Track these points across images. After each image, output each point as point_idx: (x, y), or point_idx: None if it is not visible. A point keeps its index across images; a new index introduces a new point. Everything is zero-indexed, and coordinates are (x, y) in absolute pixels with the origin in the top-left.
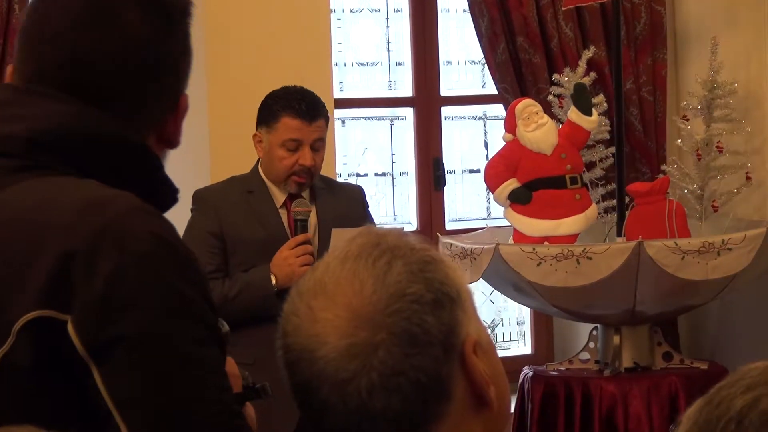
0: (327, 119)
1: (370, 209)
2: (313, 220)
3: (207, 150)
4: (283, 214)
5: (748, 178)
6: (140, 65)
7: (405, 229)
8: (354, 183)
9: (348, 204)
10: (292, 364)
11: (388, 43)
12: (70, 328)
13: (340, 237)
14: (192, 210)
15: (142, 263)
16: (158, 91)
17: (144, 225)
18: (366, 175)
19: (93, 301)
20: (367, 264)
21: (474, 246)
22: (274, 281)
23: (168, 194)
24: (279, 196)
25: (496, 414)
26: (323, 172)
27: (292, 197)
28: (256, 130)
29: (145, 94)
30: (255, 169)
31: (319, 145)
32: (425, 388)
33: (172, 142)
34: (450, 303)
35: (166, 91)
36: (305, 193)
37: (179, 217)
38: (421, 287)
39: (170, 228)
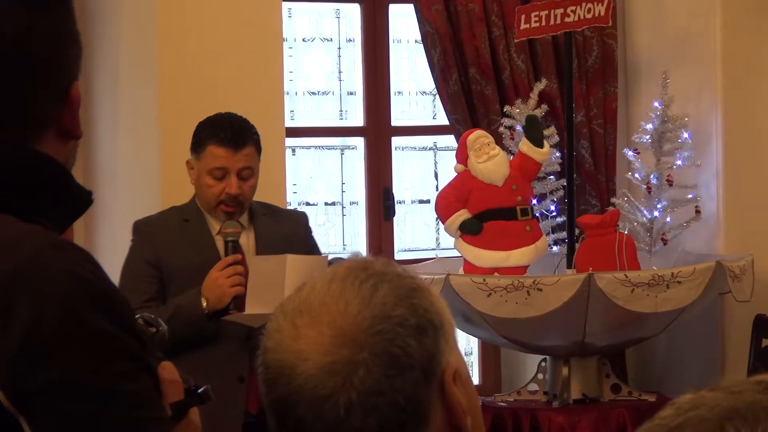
0: (257, 146)
1: (314, 234)
2: (251, 243)
3: (158, 179)
4: (219, 240)
5: (697, 211)
6: (5, 65)
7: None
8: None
9: (290, 227)
10: (271, 379)
11: (340, 72)
12: None
13: (295, 264)
14: (131, 240)
15: (59, 307)
16: (35, 87)
17: (57, 263)
18: (316, 204)
19: (13, 353)
20: (353, 285)
21: (424, 276)
22: (204, 304)
23: (80, 198)
24: (215, 224)
25: None
26: (273, 199)
27: None
28: (189, 157)
29: (22, 94)
30: (193, 198)
31: (247, 173)
32: (403, 410)
33: (72, 134)
34: (433, 330)
35: (46, 85)
36: (243, 218)
37: (123, 246)
38: (405, 311)
39: (83, 260)
